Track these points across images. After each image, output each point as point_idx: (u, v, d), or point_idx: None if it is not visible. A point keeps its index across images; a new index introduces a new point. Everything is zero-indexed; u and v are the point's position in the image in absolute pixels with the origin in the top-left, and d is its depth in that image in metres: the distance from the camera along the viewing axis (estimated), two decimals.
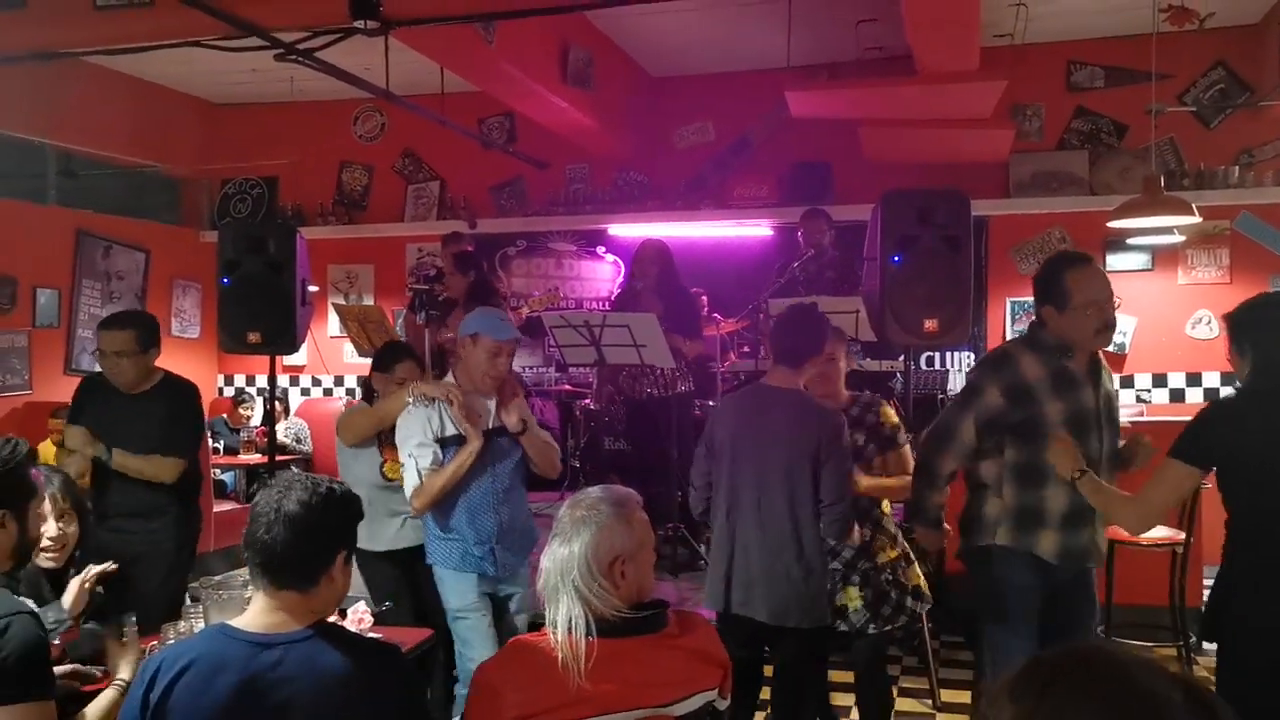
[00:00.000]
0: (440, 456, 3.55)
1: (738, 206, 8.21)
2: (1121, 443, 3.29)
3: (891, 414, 3.76)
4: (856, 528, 3.54)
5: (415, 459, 3.52)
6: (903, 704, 4.66)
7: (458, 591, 3.65)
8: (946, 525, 3.49)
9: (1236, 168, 7.29)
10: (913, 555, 3.79)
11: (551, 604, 2.01)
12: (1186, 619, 4.92)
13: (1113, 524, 3.28)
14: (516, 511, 3.74)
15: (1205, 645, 5.38)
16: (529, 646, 2.02)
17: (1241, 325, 2.83)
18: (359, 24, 4.97)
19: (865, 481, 3.59)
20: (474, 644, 3.60)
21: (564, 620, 1.97)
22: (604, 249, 8.64)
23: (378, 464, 4.04)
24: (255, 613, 2.01)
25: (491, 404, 3.71)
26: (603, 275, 8.68)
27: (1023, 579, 3.18)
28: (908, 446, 3.75)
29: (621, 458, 6.07)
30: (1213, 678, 4.99)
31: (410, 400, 3.63)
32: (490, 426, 3.66)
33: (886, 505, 3.78)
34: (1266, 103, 7.06)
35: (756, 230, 8.12)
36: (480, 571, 3.62)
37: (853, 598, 3.61)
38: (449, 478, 3.51)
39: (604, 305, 8.23)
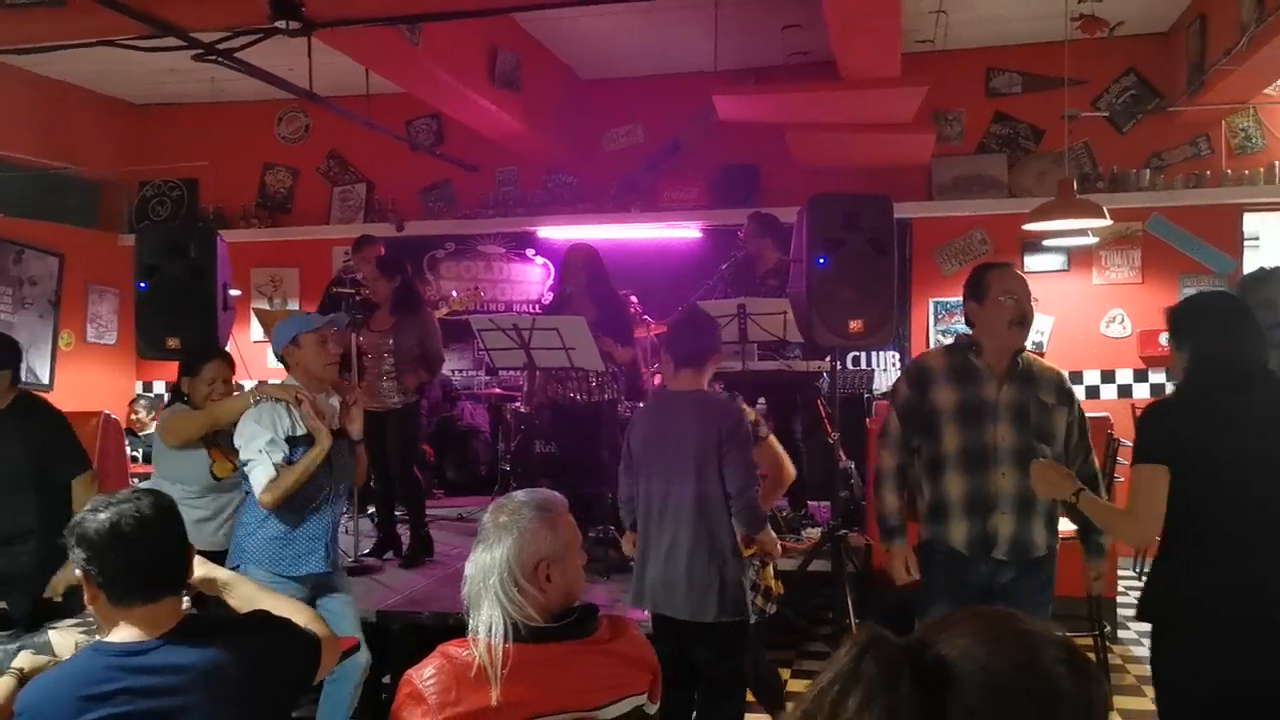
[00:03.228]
0: (290, 454, 3.62)
1: (667, 209, 8.24)
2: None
3: (751, 411, 3.81)
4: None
5: (268, 454, 3.57)
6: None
7: None
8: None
9: (1148, 171, 7.53)
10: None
11: (475, 610, 2.01)
12: (1102, 609, 5.06)
13: (1117, 541, 3.36)
14: (339, 513, 3.92)
15: (1128, 631, 5.57)
16: (454, 653, 2.01)
17: (1178, 324, 2.93)
18: (280, 24, 4.89)
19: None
20: None
21: (484, 625, 1.97)
22: (533, 251, 8.61)
23: (207, 464, 4.12)
24: (122, 629, 2.00)
25: (336, 407, 3.85)
26: (532, 278, 8.65)
27: (946, 568, 3.34)
28: (772, 438, 3.87)
29: (552, 461, 6.04)
30: (1128, 666, 5.18)
31: (255, 400, 3.73)
32: (334, 427, 3.78)
33: None
34: (1175, 108, 7.31)
35: (686, 232, 8.16)
36: (307, 572, 3.69)
37: None
38: (300, 473, 3.57)
39: (534, 308, 8.20)
